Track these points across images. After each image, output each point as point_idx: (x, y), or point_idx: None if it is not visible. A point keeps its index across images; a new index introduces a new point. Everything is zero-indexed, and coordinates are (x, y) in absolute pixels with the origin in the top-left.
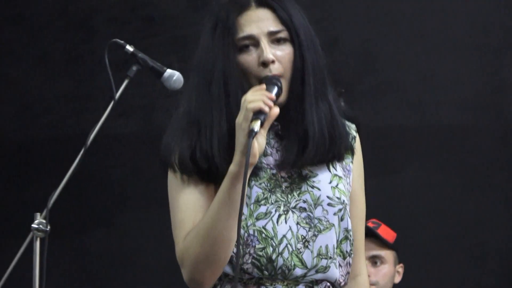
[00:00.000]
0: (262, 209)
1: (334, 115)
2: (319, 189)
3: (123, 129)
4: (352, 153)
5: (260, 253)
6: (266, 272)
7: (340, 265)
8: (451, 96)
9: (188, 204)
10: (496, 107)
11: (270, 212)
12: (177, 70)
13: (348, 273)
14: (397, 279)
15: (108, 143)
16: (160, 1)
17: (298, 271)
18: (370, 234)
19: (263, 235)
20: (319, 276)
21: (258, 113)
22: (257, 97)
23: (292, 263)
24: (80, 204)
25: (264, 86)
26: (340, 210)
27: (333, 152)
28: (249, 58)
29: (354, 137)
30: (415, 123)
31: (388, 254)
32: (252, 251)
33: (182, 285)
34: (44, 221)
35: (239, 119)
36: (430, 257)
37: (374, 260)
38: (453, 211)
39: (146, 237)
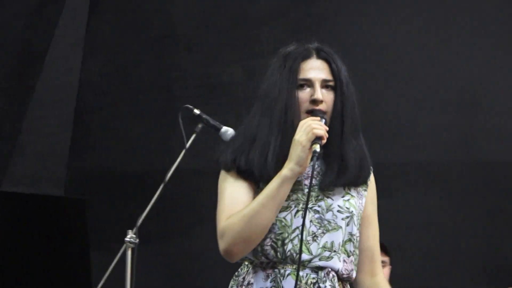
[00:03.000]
0: (284, 203)
1: (364, 150)
2: (332, 199)
3: (195, 166)
4: (366, 184)
5: (278, 237)
6: (279, 255)
7: (344, 261)
8: (432, 140)
9: (233, 193)
10: (465, 149)
11: (290, 207)
12: (232, 126)
13: (352, 269)
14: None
15: (184, 175)
16: (221, 72)
17: (304, 257)
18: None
19: (283, 223)
20: (322, 263)
21: (318, 139)
22: (320, 126)
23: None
24: (164, 220)
25: (319, 118)
26: (347, 217)
27: (358, 178)
28: (304, 95)
29: (369, 173)
30: (405, 160)
31: (387, 259)
32: (272, 236)
33: None
34: (134, 235)
35: (301, 137)
36: (419, 260)
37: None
38: (434, 225)
39: (213, 243)
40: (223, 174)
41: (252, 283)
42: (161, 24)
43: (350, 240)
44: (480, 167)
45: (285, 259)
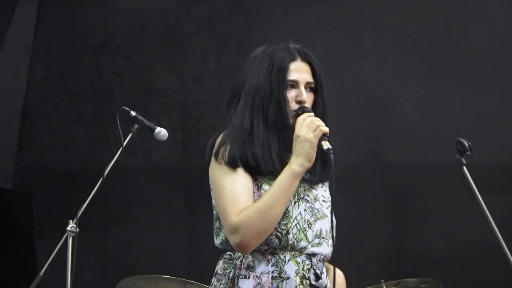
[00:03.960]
0: None
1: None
2: (316, 190)
3: (130, 163)
4: None
5: (283, 227)
6: (282, 243)
7: (331, 245)
8: (344, 143)
9: (238, 187)
10: (374, 151)
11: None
12: (164, 127)
13: (331, 252)
14: None
15: (120, 171)
16: (156, 79)
17: (303, 243)
18: None
19: (286, 214)
20: (314, 249)
21: (324, 135)
22: (322, 123)
23: (299, 237)
24: (102, 211)
25: (313, 113)
26: (329, 206)
27: (330, 175)
28: (290, 95)
29: None
30: None
31: None
32: (277, 226)
33: (178, 270)
34: (75, 225)
35: (307, 134)
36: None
37: None
38: (343, 221)
39: (145, 233)
40: (221, 168)
41: (252, 266)
42: (101, 34)
43: (332, 227)
44: (386, 167)
45: (286, 247)
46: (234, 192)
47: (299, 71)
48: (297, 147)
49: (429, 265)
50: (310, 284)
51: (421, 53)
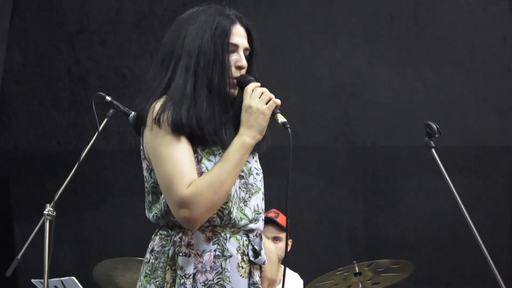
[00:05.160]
0: None
1: None
2: (249, 162)
3: (106, 147)
4: None
5: (224, 206)
6: (223, 222)
7: (262, 219)
8: (316, 126)
9: (183, 159)
10: (344, 135)
11: None
12: None
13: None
14: (288, 249)
15: (96, 155)
16: (131, 64)
17: (243, 222)
18: (272, 222)
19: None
20: (252, 226)
21: (277, 108)
22: (272, 95)
23: (239, 216)
24: (78, 195)
25: (259, 83)
26: (262, 178)
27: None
28: (231, 59)
29: None
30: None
31: (283, 235)
32: None
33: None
34: (52, 209)
35: (260, 106)
36: (307, 235)
37: (275, 239)
38: (316, 204)
39: (121, 216)
40: (163, 137)
41: (192, 244)
42: (77, 21)
43: (263, 199)
44: (357, 150)
45: (227, 224)
46: (180, 163)
47: (240, 35)
48: (248, 118)
49: (400, 246)
50: (249, 261)
51: (391, 38)
